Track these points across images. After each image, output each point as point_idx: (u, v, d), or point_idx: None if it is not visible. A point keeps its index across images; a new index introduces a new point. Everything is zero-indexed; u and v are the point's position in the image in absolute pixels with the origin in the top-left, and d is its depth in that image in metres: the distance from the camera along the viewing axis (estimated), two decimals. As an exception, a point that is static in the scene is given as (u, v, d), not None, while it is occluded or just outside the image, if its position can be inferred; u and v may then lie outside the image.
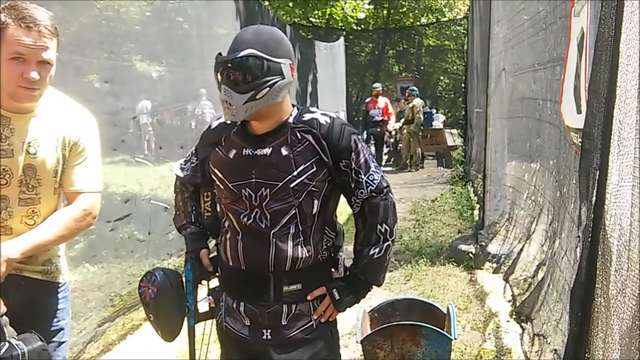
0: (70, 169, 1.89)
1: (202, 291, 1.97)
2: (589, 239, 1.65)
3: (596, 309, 1.67)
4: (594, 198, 1.62)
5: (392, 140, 12.76)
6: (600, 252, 1.62)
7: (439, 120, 13.70)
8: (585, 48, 2.11)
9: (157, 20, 5.01)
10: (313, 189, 1.75)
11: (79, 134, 1.90)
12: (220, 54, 1.72)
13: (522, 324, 3.73)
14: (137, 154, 4.50)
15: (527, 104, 4.32)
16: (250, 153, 1.77)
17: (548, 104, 3.42)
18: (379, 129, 11.80)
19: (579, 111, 2.22)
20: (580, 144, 2.10)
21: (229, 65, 1.67)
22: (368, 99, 12.62)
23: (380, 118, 11.87)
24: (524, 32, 4.39)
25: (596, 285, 1.66)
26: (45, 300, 1.91)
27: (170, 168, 2.06)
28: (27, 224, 1.83)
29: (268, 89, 1.69)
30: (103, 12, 4.16)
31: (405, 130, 11.67)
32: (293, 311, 1.80)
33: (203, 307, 1.97)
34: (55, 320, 1.94)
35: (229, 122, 1.86)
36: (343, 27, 15.47)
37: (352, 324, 3.34)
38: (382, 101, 12.16)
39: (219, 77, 1.71)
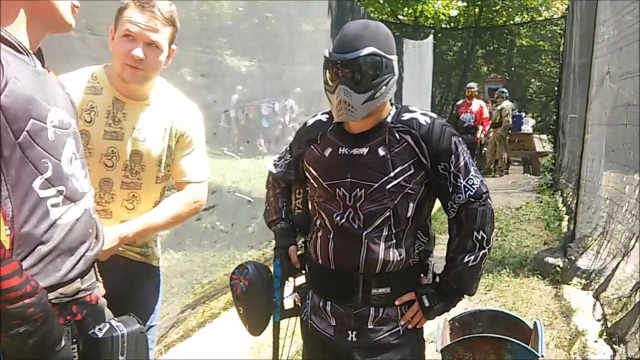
0: (178, 160, 1.97)
1: (288, 288, 1.97)
2: None
3: None
4: None
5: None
6: None
7: (528, 125, 13.13)
8: None
9: (248, 16, 5.10)
10: (409, 191, 1.69)
11: (187, 126, 1.97)
12: (329, 51, 1.67)
13: (614, 346, 3.49)
14: (225, 147, 4.59)
15: (633, 110, 4.03)
16: (347, 152, 1.74)
17: (660, 112, 3.16)
18: (470, 136, 9.74)
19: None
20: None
21: (351, 63, 1.61)
22: (460, 101, 10.80)
23: (472, 123, 10.02)
24: (633, 33, 4.09)
25: None
26: (139, 283, 1.99)
27: (264, 164, 2.06)
28: (127, 208, 1.91)
29: (385, 87, 1.66)
30: (198, 7, 4.27)
31: (491, 134, 11.24)
32: (380, 315, 1.76)
33: (288, 303, 1.96)
34: (147, 303, 2.01)
35: (325, 119, 1.84)
36: (433, 25, 15.13)
37: (429, 331, 3.24)
38: (477, 104, 10.24)
39: (331, 75, 1.66)
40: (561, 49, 12.94)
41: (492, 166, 11.41)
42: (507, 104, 11.29)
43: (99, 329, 1.35)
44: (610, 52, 5.01)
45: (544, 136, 13.39)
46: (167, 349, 3.56)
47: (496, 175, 11.30)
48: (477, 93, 10.40)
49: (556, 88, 12.55)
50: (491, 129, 11.20)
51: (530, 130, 12.93)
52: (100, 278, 1.46)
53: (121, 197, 1.89)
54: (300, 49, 5.83)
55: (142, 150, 1.89)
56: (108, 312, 1.48)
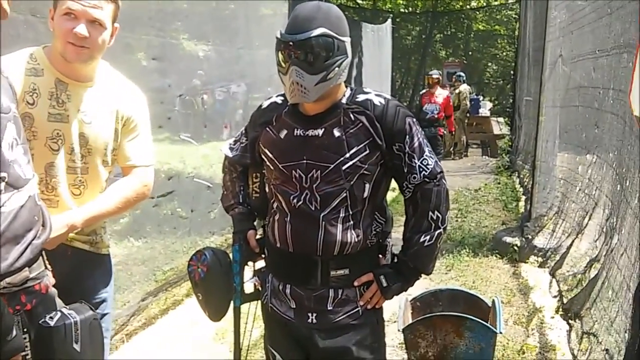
0: (124, 145, 1.94)
1: (247, 272, 1.95)
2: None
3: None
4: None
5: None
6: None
7: (485, 108, 13.39)
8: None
9: (205, -1, 5.01)
10: (365, 172, 1.70)
11: (132, 110, 1.93)
12: (280, 32, 1.65)
13: (570, 321, 3.61)
14: (181, 132, 4.52)
15: (584, 92, 4.14)
16: (302, 134, 1.73)
17: (610, 93, 3.25)
18: (433, 130, 8.47)
19: (650, 101, 2.08)
20: (649, 136, 1.98)
21: (302, 44, 1.61)
22: (423, 91, 9.58)
23: (436, 115, 8.70)
24: (585, 17, 4.19)
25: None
26: (89, 272, 1.94)
27: (220, 148, 2.03)
28: (73, 194, 1.86)
29: (337, 68, 1.65)
30: (153, -11, 4.17)
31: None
32: (339, 296, 1.76)
33: (248, 288, 1.95)
34: (98, 292, 1.96)
35: (280, 101, 1.82)
36: (391, 9, 15.17)
37: (392, 311, 3.29)
38: (442, 95, 8.98)
39: (283, 56, 1.64)
40: (516, 33, 13.19)
41: (451, 149, 11.60)
42: (464, 87, 11.49)
43: (50, 317, 1.32)
44: (562, 36, 5.13)
45: (501, 119, 13.67)
46: (129, 337, 3.52)
47: (455, 158, 11.51)
48: (438, 80, 9.17)
49: (512, 72, 12.78)
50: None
51: (488, 114, 13.20)
52: (49, 267, 1.42)
53: (67, 181, 1.84)
54: (258, 32, 5.76)
55: (88, 133, 1.84)
56: (59, 302, 1.44)
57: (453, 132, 10.25)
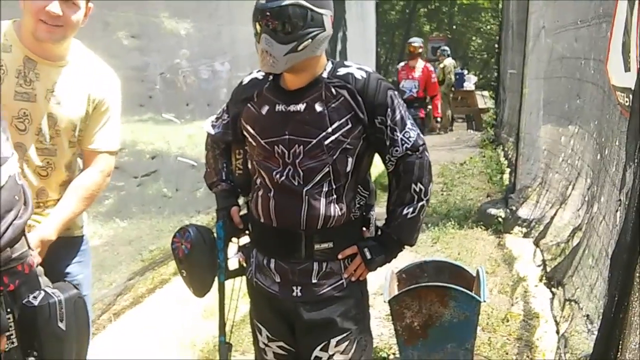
0: (92, 128, 1.89)
1: (232, 248, 1.96)
2: (636, 201, 1.57)
3: (638, 274, 1.61)
4: (643, 159, 1.54)
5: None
6: (646, 216, 1.55)
7: (470, 82, 13.43)
8: (638, 1, 1.98)
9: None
10: (348, 146, 1.70)
11: (105, 93, 1.89)
12: (258, 1, 1.64)
13: (553, 289, 3.68)
14: (164, 111, 4.47)
15: (567, 63, 4.16)
16: (284, 109, 1.72)
17: (591, 63, 3.27)
18: (413, 110, 6.61)
19: (627, 69, 2.10)
20: (626, 104, 2.00)
21: (272, 12, 1.60)
22: (401, 64, 7.83)
23: (415, 94, 7.15)
24: (566, -13, 4.19)
25: (640, 250, 1.59)
26: (62, 256, 1.92)
27: (201, 125, 2.02)
28: (40, 175, 1.82)
29: (310, 40, 1.63)
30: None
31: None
32: (324, 269, 1.78)
33: (233, 264, 1.96)
34: (73, 274, 1.95)
35: (260, 77, 1.81)
36: (374, -17, 14.99)
37: (379, 284, 3.33)
38: (420, 67, 7.35)
39: (258, 25, 1.64)
40: (500, 6, 13.14)
41: (436, 124, 11.62)
42: (449, 61, 11.49)
43: (34, 297, 1.31)
44: (545, 7, 5.13)
45: (485, 92, 13.75)
46: (116, 316, 3.53)
47: (441, 133, 11.51)
48: (419, 49, 7.53)
49: (496, 45, 12.78)
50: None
51: (473, 87, 13.25)
52: (32, 247, 1.41)
53: (35, 163, 1.80)
54: (241, 8, 5.67)
55: (56, 114, 1.80)
56: (45, 280, 1.43)
57: (439, 119, 8.65)
